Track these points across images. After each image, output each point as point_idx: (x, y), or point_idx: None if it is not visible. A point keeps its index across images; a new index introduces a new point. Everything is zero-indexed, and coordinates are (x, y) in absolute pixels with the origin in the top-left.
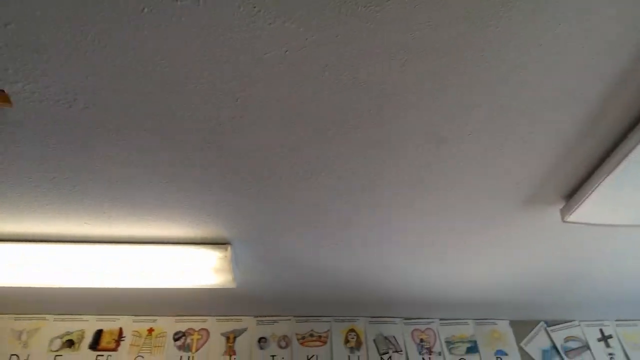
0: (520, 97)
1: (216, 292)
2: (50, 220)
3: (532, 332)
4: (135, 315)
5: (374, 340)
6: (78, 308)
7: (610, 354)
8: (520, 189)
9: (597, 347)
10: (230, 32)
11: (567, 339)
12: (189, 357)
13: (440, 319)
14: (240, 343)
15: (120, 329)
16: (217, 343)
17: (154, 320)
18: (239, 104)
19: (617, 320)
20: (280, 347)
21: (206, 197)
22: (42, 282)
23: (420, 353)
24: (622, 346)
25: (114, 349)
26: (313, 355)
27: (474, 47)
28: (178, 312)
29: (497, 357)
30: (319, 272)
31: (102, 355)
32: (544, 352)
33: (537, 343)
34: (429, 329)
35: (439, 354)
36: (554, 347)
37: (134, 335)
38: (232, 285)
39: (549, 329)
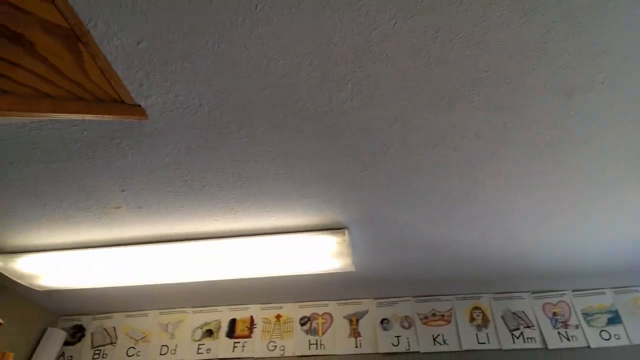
0: None
1: (335, 276)
2: (184, 220)
3: None
4: (263, 304)
5: (502, 317)
6: (212, 300)
7: None
8: None
9: None
10: (338, 14)
11: None
12: (317, 340)
13: (574, 290)
14: (364, 325)
15: (251, 317)
16: (341, 326)
17: (280, 307)
18: (349, 86)
19: None
20: (404, 327)
21: (322, 184)
22: (180, 279)
23: (554, 327)
24: None
25: (248, 336)
26: (439, 335)
27: None
28: (300, 298)
29: None
30: (439, 250)
31: (239, 342)
32: None
33: None
34: (562, 301)
35: (577, 326)
36: None
37: (264, 322)
38: (351, 268)
39: None
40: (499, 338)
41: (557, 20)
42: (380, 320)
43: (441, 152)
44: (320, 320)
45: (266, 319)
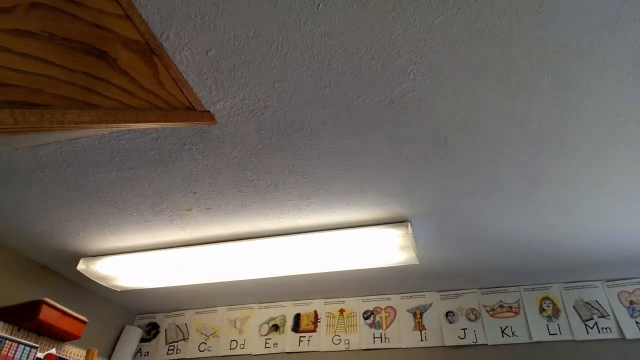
0: None
1: (397, 270)
2: (250, 219)
3: None
4: (326, 298)
5: (574, 307)
6: (277, 295)
7: None
8: None
9: None
10: (400, 5)
11: None
12: (381, 334)
13: None
14: (428, 318)
15: (315, 312)
16: (405, 319)
17: (343, 302)
18: (411, 77)
19: None
20: (470, 320)
21: (383, 177)
22: (246, 275)
23: (632, 316)
24: None
25: (313, 330)
26: (507, 327)
27: None
28: (363, 292)
29: None
30: (504, 240)
31: (304, 336)
32: None
33: None
34: (639, 289)
35: None
36: None
37: (327, 316)
38: (415, 261)
39: None
40: (572, 329)
41: None
42: (445, 313)
43: (506, 138)
44: (383, 314)
45: (330, 313)
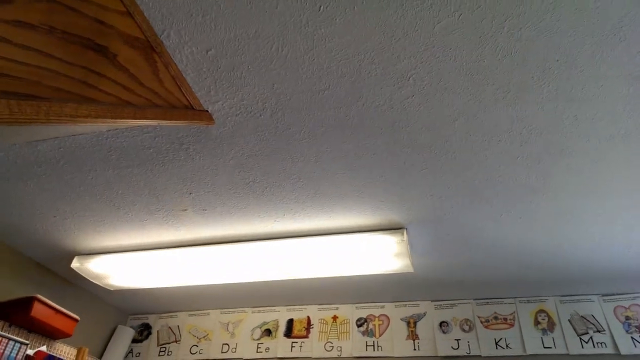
0: None
1: (392, 277)
2: (245, 222)
3: None
4: (320, 305)
5: (569, 321)
6: (270, 300)
7: None
8: None
9: None
10: (401, 9)
11: None
12: (374, 342)
13: None
14: (422, 327)
15: (308, 318)
16: (398, 328)
17: (337, 308)
18: (411, 82)
19: None
20: (464, 330)
21: (381, 183)
22: (240, 279)
23: (627, 332)
24: None
25: (305, 336)
26: (501, 338)
27: None
28: (357, 299)
29: None
30: (501, 250)
31: (297, 342)
32: None
33: None
34: (635, 304)
35: None
36: None
37: (320, 322)
38: (409, 269)
39: None
40: (566, 342)
41: (634, 2)
42: (439, 322)
43: (506, 147)
44: (377, 322)
45: (323, 319)
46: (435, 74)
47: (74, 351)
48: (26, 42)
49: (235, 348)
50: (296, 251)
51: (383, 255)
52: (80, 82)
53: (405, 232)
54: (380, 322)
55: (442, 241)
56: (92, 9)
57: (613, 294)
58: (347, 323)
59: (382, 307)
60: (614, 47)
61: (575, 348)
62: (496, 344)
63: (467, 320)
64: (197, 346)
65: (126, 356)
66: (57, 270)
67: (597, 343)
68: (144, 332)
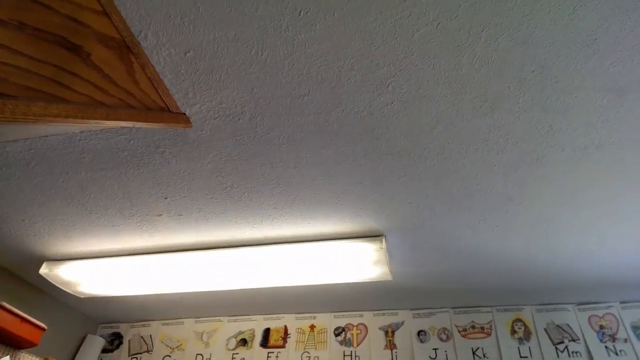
0: None
1: (371, 286)
2: (222, 228)
3: None
4: (297, 313)
5: (545, 330)
6: (247, 309)
7: None
8: None
9: None
10: (381, 17)
11: None
12: (351, 352)
13: (621, 302)
14: (399, 337)
15: (285, 327)
16: (376, 337)
17: (314, 317)
18: (390, 90)
19: None
20: (441, 340)
21: (360, 190)
22: (216, 286)
23: (601, 341)
24: None
25: (282, 346)
26: (478, 348)
27: None
28: (335, 308)
29: None
30: (479, 259)
31: (273, 352)
32: None
33: None
34: (609, 313)
35: (625, 340)
36: None
37: (298, 332)
38: (388, 277)
39: None
40: (542, 352)
41: (607, 15)
42: (417, 332)
43: (483, 156)
44: (355, 331)
45: (300, 329)
46: (414, 82)
47: None
48: None
49: (210, 358)
50: (274, 258)
51: (362, 263)
52: (51, 80)
53: (383, 240)
54: (359, 332)
55: (420, 249)
56: (67, 7)
57: (588, 303)
58: (324, 332)
59: (361, 315)
60: (588, 59)
61: (550, 357)
62: (473, 353)
63: (444, 329)
64: (169, 356)
65: None
66: (24, 276)
67: (573, 352)
68: (114, 341)
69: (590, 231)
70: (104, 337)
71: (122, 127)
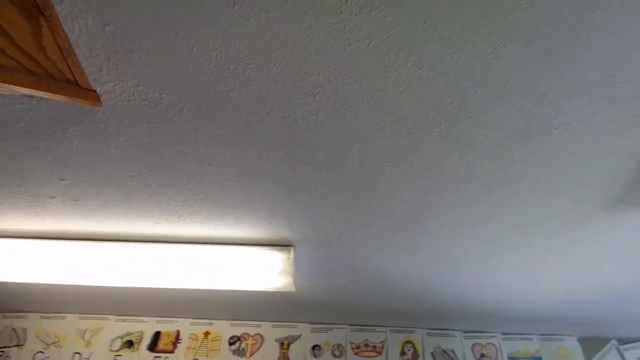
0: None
1: (272, 296)
2: (122, 219)
3: (603, 351)
4: (193, 318)
5: (432, 354)
6: (139, 309)
7: None
8: (607, 191)
9: None
10: (316, 24)
11: None
12: None
13: (503, 333)
14: (294, 350)
15: (178, 332)
16: (271, 349)
17: (211, 324)
18: (317, 99)
19: None
20: (334, 356)
21: (275, 197)
22: (107, 282)
23: None
24: None
25: (171, 351)
26: None
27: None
28: (233, 316)
29: None
30: (381, 280)
31: (160, 357)
32: None
33: None
34: (490, 343)
35: None
36: None
37: (190, 338)
38: (292, 288)
39: (621, 347)
40: None
41: (523, 61)
42: (312, 346)
43: (397, 178)
44: (250, 341)
45: (193, 334)
46: (340, 95)
47: None
48: None
49: (89, 358)
50: (176, 258)
51: (267, 271)
52: None
53: (292, 250)
54: (254, 342)
55: (327, 263)
56: None
57: (473, 332)
58: (219, 340)
59: (259, 326)
60: (500, 100)
61: None
62: None
63: (339, 345)
64: (42, 352)
65: None
66: None
67: None
68: None
69: (481, 265)
70: None
71: (22, 96)
